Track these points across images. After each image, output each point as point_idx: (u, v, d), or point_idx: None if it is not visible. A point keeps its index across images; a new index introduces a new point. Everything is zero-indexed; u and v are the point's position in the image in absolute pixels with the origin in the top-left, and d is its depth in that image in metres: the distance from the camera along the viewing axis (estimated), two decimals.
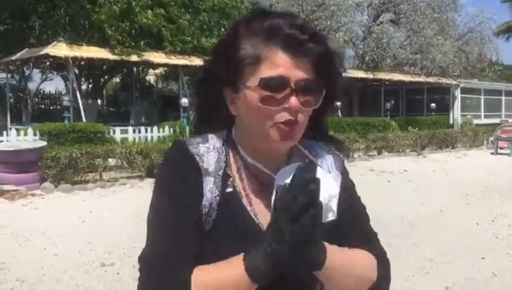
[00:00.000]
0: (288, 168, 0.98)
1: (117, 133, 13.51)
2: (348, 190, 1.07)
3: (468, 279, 4.53)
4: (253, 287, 0.88)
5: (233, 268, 0.88)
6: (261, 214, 0.99)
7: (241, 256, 0.88)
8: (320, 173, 0.97)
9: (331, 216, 0.96)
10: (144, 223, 0.99)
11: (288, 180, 0.94)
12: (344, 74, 1.07)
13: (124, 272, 4.65)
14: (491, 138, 18.36)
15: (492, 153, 16.81)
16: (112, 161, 10.34)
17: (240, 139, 1.03)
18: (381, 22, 25.74)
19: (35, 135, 11.31)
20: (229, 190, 0.99)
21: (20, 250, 5.43)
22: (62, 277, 4.58)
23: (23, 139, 10.87)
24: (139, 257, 0.95)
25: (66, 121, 13.27)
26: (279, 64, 0.93)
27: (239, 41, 0.95)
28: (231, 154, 1.03)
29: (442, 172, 12.04)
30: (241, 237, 0.95)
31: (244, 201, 1.00)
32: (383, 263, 1.05)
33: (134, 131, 13.94)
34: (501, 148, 16.75)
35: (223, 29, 18.33)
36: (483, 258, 5.12)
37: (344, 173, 1.08)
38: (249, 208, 0.99)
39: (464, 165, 13.64)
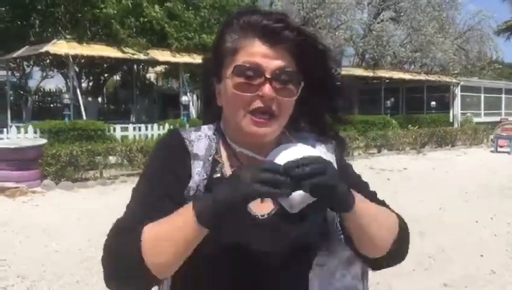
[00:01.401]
0: (277, 151, 0.99)
1: (117, 131, 13.53)
2: (344, 168, 1.10)
3: (466, 276, 4.55)
4: (200, 232, 0.86)
5: (183, 214, 0.88)
6: None
7: (191, 204, 0.88)
8: (310, 150, 0.99)
9: None
10: None
11: (276, 161, 0.95)
12: (339, 71, 1.09)
13: None
14: (491, 136, 18.37)
15: (492, 152, 16.82)
16: (112, 159, 10.36)
17: (226, 129, 1.05)
18: (382, 20, 25.73)
19: (35, 132, 11.31)
20: (217, 175, 1.02)
21: (20, 247, 5.46)
22: (63, 273, 4.61)
23: (23, 136, 10.88)
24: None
25: (67, 119, 13.29)
26: (255, 52, 0.96)
27: (222, 37, 1.01)
28: (221, 143, 1.06)
29: (442, 170, 12.05)
30: None
31: None
32: (400, 217, 1.09)
33: (134, 129, 13.95)
34: (501, 146, 16.76)
35: None
36: (482, 255, 5.14)
37: (337, 156, 1.11)
38: None
39: (463, 164, 13.66)
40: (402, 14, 27.14)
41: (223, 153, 1.05)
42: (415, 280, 4.42)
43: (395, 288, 4.19)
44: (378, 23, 25.72)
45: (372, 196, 1.08)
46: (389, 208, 1.09)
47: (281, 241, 0.99)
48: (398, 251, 1.04)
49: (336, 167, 1.03)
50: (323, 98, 1.08)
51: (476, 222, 6.59)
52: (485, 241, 5.70)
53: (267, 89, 0.94)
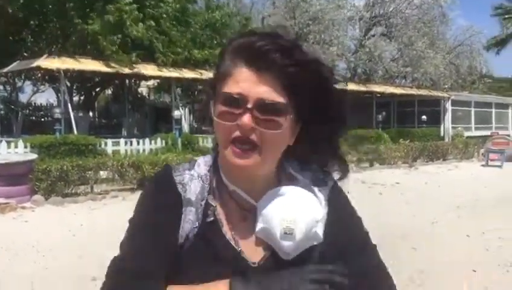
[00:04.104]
0: (271, 195, 0.97)
1: (109, 146, 13.46)
2: (339, 211, 1.03)
3: None
4: None
5: None
6: (243, 241, 0.98)
7: (223, 283, 0.87)
8: (306, 197, 0.98)
9: (316, 241, 0.96)
10: None
11: (270, 208, 0.94)
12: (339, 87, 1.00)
13: None
14: (482, 150, 18.51)
15: (483, 165, 16.91)
16: (103, 174, 10.30)
17: (221, 162, 1.00)
18: (373, 35, 26.02)
19: (26, 147, 11.25)
20: (210, 219, 0.97)
21: (10, 264, 5.38)
22: None
23: (13, 151, 10.80)
24: (112, 259, 0.95)
25: (57, 134, 13.22)
26: (240, 80, 0.91)
27: (219, 61, 0.97)
28: (215, 181, 1.01)
29: (434, 184, 12.09)
30: (218, 264, 0.94)
31: (225, 229, 0.97)
32: None
33: (126, 143, 13.89)
34: (492, 160, 16.87)
35: (215, 42, 18.44)
36: (474, 270, 5.14)
37: (335, 194, 1.05)
38: (228, 236, 0.97)
39: (455, 177, 13.71)
40: (393, 29, 27.46)
41: (216, 193, 1.00)
42: None
43: None
44: (368, 38, 25.99)
45: (372, 267, 1.03)
46: (384, 271, 1.05)
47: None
48: None
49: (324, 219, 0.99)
50: (326, 124, 1.00)
51: (468, 236, 6.59)
52: (477, 256, 5.70)
53: (245, 119, 0.88)
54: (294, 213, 0.94)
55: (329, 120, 0.99)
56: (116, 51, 15.55)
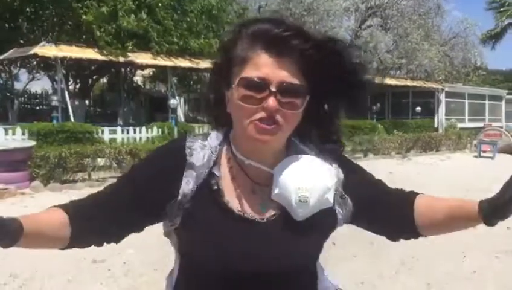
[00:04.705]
0: (285, 162, 1.04)
1: (106, 134, 13.52)
2: (353, 172, 1.15)
3: (449, 276, 4.69)
4: None
5: None
6: (253, 210, 1.04)
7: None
8: (316, 165, 1.06)
9: (327, 205, 1.04)
10: None
11: (286, 175, 1.01)
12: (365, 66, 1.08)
13: (114, 268, 4.74)
14: (475, 142, 18.67)
15: (475, 157, 17.08)
16: (100, 161, 10.38)
17: (235, 137, 1.06)
18: (369, 26, 26.03)
19: (23, 134, 11.30)
20: (214, 188, 1.03)
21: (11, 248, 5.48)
22: (54, 273, 4.65)
23: (11, 138, 10.85)
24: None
25: (55, 121, 13.26)
26: (261, 64, 0.96)
27: (231, 45, 1.02)
28: (224, 154, 1.07)
29: (427, 175, 12.25)
30: (216, 224, 1.02)
31: (227, 199, 1.03)
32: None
33: (122, 131, 13.95)
34: (484, 151, 17.04)
35: (211, 32, 18.43)
36: (464, 256, 5.29)
37: (342, 161, 1.14)
38: (235, 206, 1.03)
39: (447, 168, 13.89)
40: (389, 21, 27.46)
41: (225, 165, 1.06)
42: (399, 279, 4.55)
43: (379, 287, 4.31)
44: (364, 30, 26.01)
45: (391, 189, 1.23)
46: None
47: (280, 248, 1.02)
48: None
49: (340, 177, 1.10)
50: (340, 100, 1.08)
51: None
52: (467, 243, 5.84)
53: (271, 102, 0.95)
54: (309, 182, 1.02)
55: (344, 91, 1.06)
56: (110, 41, 15.54)
